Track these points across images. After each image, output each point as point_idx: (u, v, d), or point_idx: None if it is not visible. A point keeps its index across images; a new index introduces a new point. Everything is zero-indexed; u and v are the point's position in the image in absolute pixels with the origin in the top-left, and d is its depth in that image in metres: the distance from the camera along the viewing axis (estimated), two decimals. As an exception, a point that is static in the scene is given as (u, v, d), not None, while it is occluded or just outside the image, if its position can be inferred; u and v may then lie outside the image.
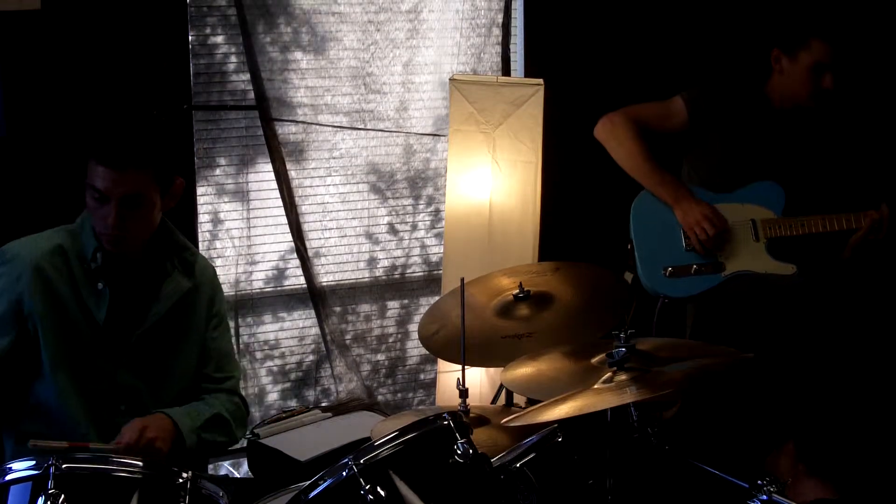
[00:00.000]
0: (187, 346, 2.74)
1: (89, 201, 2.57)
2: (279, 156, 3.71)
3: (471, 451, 2.19)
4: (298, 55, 3.75)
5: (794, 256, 3.41)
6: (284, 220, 3.77)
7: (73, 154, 2.70)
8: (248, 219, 3.79)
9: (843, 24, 3.48)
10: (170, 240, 2.72)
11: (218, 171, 3.75)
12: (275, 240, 3.86)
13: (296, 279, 3.90)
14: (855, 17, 3.73)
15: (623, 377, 2.29)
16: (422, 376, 4.16)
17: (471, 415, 2.75)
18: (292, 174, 3.75)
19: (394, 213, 4.02)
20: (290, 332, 3.94)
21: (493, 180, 3.75)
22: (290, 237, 3.80)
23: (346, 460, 2.11)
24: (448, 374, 3.68)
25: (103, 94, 3.43)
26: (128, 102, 3.43)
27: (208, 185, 3.73)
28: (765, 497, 2.31)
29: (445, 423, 2.22)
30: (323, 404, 3.82)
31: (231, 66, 3.72)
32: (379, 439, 2.17)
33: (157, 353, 2.68)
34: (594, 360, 2.45)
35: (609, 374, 2.32)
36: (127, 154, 2.52)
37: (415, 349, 4.11)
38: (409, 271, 4.09)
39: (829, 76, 3.43)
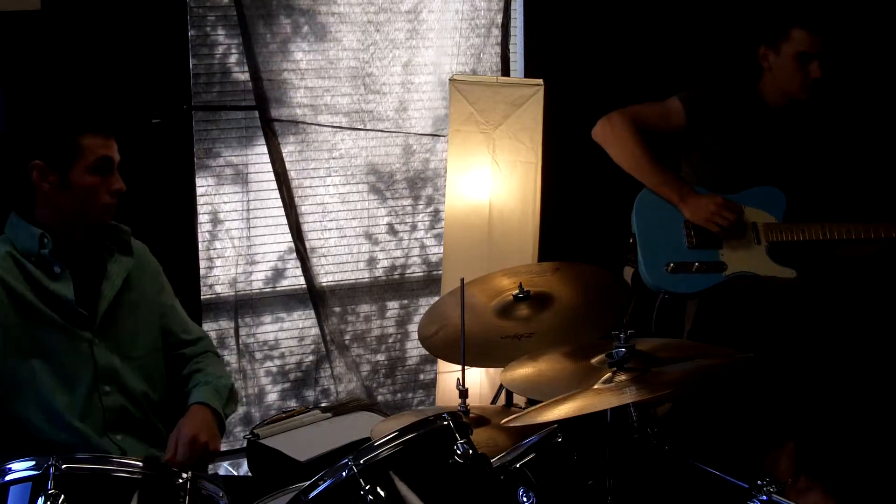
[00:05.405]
0: (147, 320, 2.77)
1: (89, 178, 2.60)
2: (279, 156, 3.71)
3: (471, 451, 2.18)
4: (298, 55, 3.75)
5: (796, 260, 3.40)
6: (284, 220, 3.77)
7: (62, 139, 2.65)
8: (248, 219, 3.79)
9: (821, 10, 3.48)
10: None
11: (217, 172, 3.75)
12: (274, 240, 3.86)
13: (295, 279, 3.89)
14: (835, 3, 3.73)
15: (623, 377, 2.29)
16: (422, 376, 4.15)
17: (471, 415, 2.75)
18: (292, 174, 3.75)
19: (393, 213, 4.01)
20: (290, 332, 3.94)
21: (493, 180, 3.75)
22: (289, 237, 3.80)
23: (346, 460, 2.11)
24: (448, 374, 3.68)
25: (104, 93, 3.43)
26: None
27: (208, 186, 3.73)
28: (765, 497, 2.31)
29: (445, 423, 2.22)
30: (323, 404, 3.81)
31: (231, 66, 3.71)
32: (379, 439, 2.16)
33: (121, 329, 2.70)
34: (594, 361, 2.45)
35: (609, 375, 2.32)
36: (114, 119, 2.64)
37: (415, 349, 4.10)
38: (408, 272, 4.08)
39: (815, 64, 3.44)
